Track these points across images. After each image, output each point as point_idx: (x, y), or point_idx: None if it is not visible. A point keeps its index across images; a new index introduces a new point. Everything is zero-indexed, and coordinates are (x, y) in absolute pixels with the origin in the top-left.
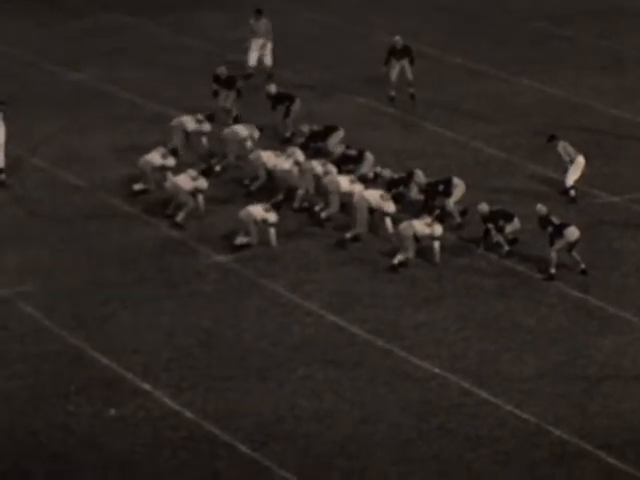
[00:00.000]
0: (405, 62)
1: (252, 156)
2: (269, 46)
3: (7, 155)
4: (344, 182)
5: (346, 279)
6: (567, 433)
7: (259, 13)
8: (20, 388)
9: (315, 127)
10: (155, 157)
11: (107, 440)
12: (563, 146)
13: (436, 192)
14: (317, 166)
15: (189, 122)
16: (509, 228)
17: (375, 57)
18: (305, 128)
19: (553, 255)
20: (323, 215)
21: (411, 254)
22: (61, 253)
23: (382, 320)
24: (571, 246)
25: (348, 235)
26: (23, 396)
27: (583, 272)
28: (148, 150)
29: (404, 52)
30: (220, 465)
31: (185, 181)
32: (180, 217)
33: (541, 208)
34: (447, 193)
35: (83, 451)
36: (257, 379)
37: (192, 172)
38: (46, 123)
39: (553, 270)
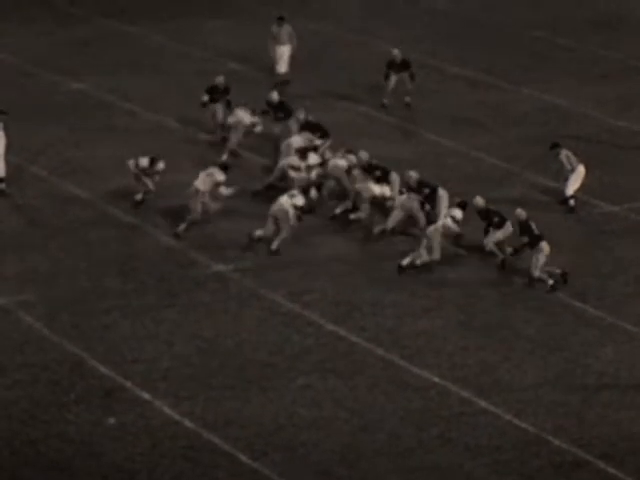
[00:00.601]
0: (405, 75)
1: (282, 163)
2: (288, 53)
3: (7, 164)
4: (375, 187)
5: (346, 288)
6: (566, 442)
7: (281, 20)
8: (19, 397)
9: (311, 118)
10: (143, 161)
11: (106, 449)
12: (565, 154)
13: (420, 192)
14: (341, 161)
15: (246, 117)
16: (502, 233)
17: (375, 66)
18: (301, 115)
19: (536, 273)
20: (352, 216)
21: (438, 256)
22: (61, 262)
23: (382, 329)
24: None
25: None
26: (22, 405)
27: (563, 276)
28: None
29: (403, 66)
30: (220, 474)
31: (203, 181)
32: (181, 228)
33: (521, 213)
34: (430, 199)
35: (82, 460)
36: (257, 388)
37: (211, 170)
38: (46, 132)
39: (551, 281)
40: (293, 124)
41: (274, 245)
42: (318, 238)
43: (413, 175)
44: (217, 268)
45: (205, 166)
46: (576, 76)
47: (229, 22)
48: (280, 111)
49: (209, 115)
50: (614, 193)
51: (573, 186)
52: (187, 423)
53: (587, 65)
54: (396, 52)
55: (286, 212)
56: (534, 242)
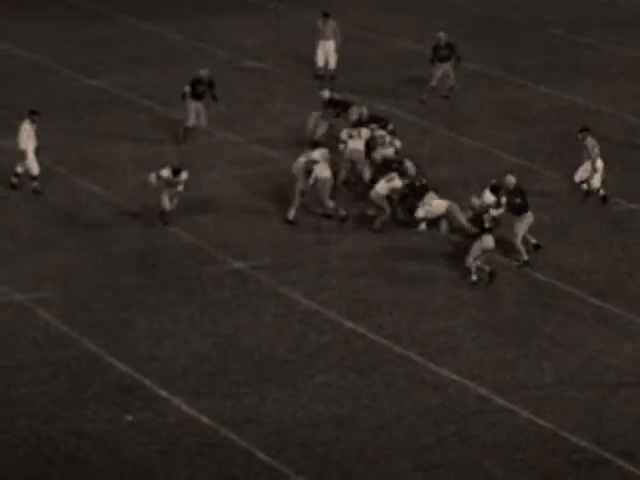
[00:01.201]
0: (448, 66)
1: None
2: (333, 48)
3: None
4: (442, 202)
5: (364, 286)
6: (585, 440)
7: (326, 16)
8: (38, 394)
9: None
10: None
11: (124, 446)
12: (592, 142)
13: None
14: (388, 150)
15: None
16: (524, 224)
17: (394, 64)
18: (364, 110)
19: (469, 260)
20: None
21: None
22: (79, 259)
23: (400, 327)
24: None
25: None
26: (41, 402)
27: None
28: (167, 156)
29: (448, 49)
30: (237, 472)
31: (301, 163)
32: (291, 214)
33: (475, 202)
34: (419, 193)
35: (100, 457)
36: (274, 385)
37: (311, 154)
38: (64, 129)
39: (474, 277)
40: (352, 116)
41: (376, 225)
42: (336, 236)
43: (409, 166)
44: (235, 265)
45: (222, 162)
46: (594, 74)
47: (246, 20)
48: (335, 106)
49: (189, 108)
50: (633, 191)
51: (584, 174)
52: (204, 420)
53: (605, 63)
54: (441, 34)
55: (382, 196)
56: (480, 232)
